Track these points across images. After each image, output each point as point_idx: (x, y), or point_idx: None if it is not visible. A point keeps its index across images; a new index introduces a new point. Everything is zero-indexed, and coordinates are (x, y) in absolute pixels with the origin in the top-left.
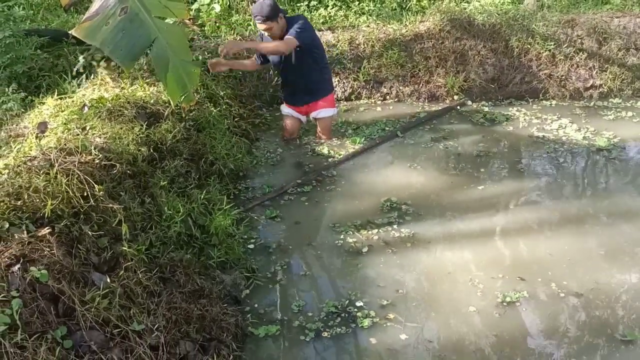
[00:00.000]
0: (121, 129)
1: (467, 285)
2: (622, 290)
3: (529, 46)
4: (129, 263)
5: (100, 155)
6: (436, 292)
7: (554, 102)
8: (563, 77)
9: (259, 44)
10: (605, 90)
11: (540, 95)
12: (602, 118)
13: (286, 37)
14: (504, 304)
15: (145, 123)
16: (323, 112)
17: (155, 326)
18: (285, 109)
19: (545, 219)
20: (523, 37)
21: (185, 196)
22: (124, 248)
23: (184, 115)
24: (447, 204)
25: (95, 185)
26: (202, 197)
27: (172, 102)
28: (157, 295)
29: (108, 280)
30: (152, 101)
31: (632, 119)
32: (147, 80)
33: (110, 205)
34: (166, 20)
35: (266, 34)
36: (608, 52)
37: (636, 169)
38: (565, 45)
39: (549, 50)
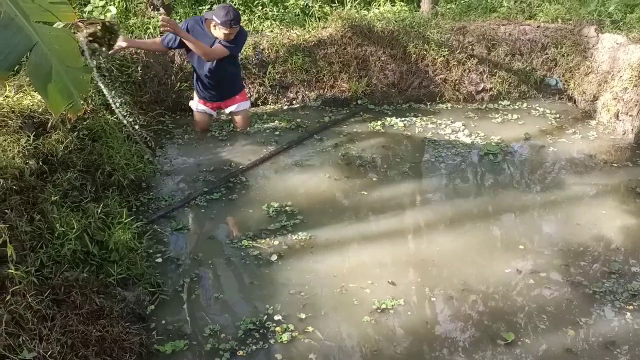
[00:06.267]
0: (5, 140)
1: (354, 290)
2: (490, 290)
3: (425, 52)
4: (17, 287)
5: None
6: (331, 299)
7: (449, 104)
8: (457, 82)
9: (199, 42)
10: (495, 93)
11: (437, 99)
12: (491, 121)
13: (227, 47)
14: (379, 310)
15: (33, 134)
16: (243, 104)
17: (49, 353)
18: (197, 105)
19: (424, 223)
20: (419, 44)
21: (81, 211)
22: (10, 271)
23: (76, 125)
24: (337, 208)
25: None
26: (100, 210)
27: (53, 114)
28: (50, 319)
29: None
30: (40, 110)
31: (517, 121)
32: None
33: None
34: (54, 25)
35: (222, 37)
36: (496, 58)
37: (518, 172)
38: (458, 52)
39: (444, 56)
